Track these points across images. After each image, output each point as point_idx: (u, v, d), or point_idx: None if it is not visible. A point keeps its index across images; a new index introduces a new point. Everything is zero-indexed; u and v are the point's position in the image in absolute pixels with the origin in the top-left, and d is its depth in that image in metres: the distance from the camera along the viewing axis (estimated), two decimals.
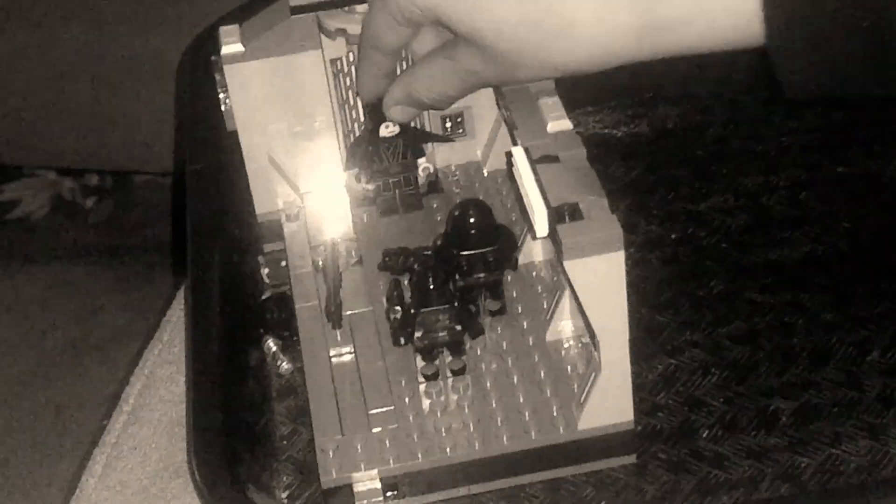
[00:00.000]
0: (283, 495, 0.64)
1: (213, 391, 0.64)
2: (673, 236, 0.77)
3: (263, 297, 0.74)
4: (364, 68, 0.69)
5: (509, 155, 0.63)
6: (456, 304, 0.66)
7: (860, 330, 0.69)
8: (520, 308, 0.69)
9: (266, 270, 0.76)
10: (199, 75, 0.83)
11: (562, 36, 0.59)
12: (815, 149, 0.82)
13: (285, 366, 0.70)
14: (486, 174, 0.77)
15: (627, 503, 0.62)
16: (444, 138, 0.76)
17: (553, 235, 0.59)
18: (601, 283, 0.58)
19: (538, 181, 0.60)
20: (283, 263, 0.76)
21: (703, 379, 0.67)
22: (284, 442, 0.67)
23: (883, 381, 0.66)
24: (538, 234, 0.59)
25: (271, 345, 0.71)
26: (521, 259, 0.71)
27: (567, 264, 0.58)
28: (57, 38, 1.67)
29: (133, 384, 0.75)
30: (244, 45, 0.71)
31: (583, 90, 0.85)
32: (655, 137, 0.85)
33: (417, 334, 0.65)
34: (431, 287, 0.65)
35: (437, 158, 0.77)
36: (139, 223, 1.87)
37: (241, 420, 0.65)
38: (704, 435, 0.65)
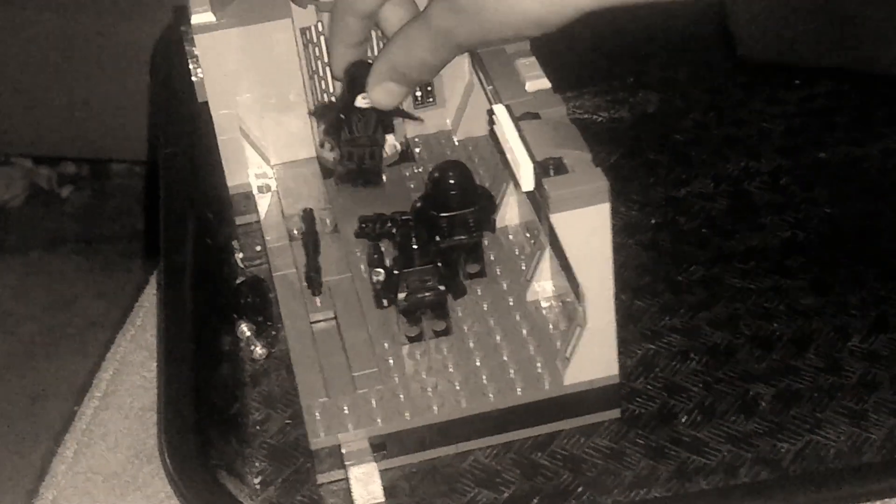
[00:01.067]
0: (256, 481, 0.63)
1: (185, 376, 0.63)
2: (653, 221, 0.76)
3: (237, 282, 0.73)
4: (337, 35, 0.69)
5: (490, 113, 0.62)
6: (439, 263, 0.65)
7: (841, 315, 0.69)
8: (498, 270, 0.69)
9: (240, 255, 0.75)
10: (173, 59, 0.82)
11: None
12: (795, 134, 0.82)
13: (259, 351, 0.70)
14: (456, 143, 0.77)
15: (605, 489, 0.61)
16: (416, 117, 0.75)
17: (539, 189, 0.59)
18: (588, 235, 0.58)
19: (522, 136, 0.60)
20: (258, 248, 0.75)
21: (682, 364, 0.67)
22: (257, 427, 0.66)
23: (863, 367, 0.66)
24: (524, 188, 0.59)
25: (245, 329, 0.70)
26: (499, 222, 0.71)
27: (553, 217, 0.58)
28: (31, 25, 1.66)
29: (105, 370, 0.74)
30: (214, 14, 0.71)
31: (563, 75, 0.84)
32: (635, 123, 0.85)
33: (401, 295, 0.65)
34: (415, 247, 0.65)
35: (408, 127, 0.77)
36: (115, 212, 1.86)
37: (214, 406, 0.65)
38: (683, 420, 0.64)
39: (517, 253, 0.70)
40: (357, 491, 0.61)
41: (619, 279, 0.71)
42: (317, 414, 0.63)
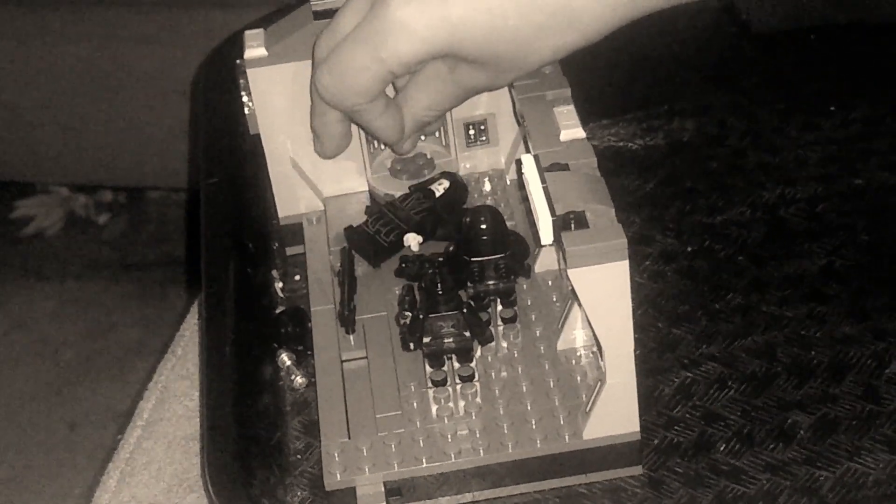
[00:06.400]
0: None
1: (227, 406, 0.64)
2: (689, 249, 0.76)
3: (277, 312, 0.74)
4: (384, 120, 0.69)
5: (519, 163, 0.62)
6: (465, 310, 0.65)
7: (878, 342, 0.68)
8: (533, 316, 0.68)
9: (280, 284, 0.76)
10: (216, 88, 0.83)
11: (564, 11, 0.62)
12: (832, 161, 0.81)
13: (299, 380, 0.70)
14: (509, 182, 0.77)
15: None
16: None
17: (558, 243, 0.59)
18: (605, 292, 0.58)
19: (545, 188, 0.60)
20: (297, 277, 0.76)
21: (719, 392, 0.67)
22: (298, 456, 0.66)
23: None
24: (543, 242, 0.59)
25: (285, 359, 0.71)
26: (538, 267, 0.71)
27: (571, 273, 0.57)
28: (70, 54, 1.68)
29: (147, 399, 0.75)
30: (267, 50, 0.72)
31: (599, 103, 0.85)
32: (671, 150, 0.85)
33: (425, 340, 0.65)
34: (440, 293, 0.65)
35: (461, 165, 0.77)
36: (152, 239, 1.87)
37: (256, 435, 0.65)
38: (721, 449, 0.64)
39: (554, 300, 0.69)
40: None
41: (655, 307, 0.72)
42: (335, 455, 0.63)
